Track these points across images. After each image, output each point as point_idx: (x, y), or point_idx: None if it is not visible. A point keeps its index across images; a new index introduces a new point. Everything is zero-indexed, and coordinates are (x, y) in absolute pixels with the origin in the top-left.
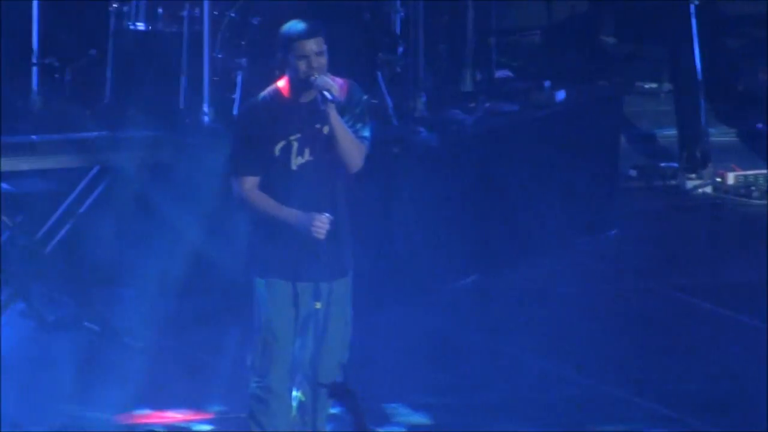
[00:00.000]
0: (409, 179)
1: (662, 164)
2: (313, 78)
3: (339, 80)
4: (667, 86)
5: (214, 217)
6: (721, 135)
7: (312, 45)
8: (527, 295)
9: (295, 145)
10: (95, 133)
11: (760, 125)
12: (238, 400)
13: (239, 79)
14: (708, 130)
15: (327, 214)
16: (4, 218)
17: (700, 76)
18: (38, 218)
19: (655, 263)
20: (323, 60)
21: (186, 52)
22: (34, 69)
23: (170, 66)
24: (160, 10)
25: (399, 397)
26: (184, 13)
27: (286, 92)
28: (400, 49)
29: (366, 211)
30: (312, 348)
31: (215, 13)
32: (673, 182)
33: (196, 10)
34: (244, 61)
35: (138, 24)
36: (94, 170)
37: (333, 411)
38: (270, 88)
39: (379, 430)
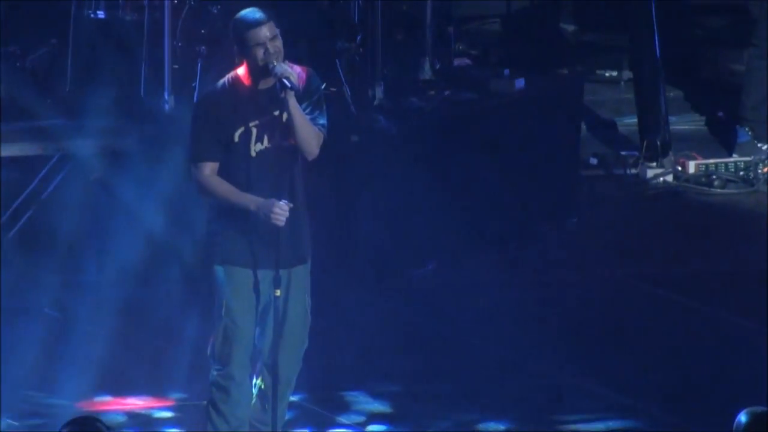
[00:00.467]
0: (367, 167)
1: (623, 152)
2: (272, 66)
3: (297, 68)
4: (627, 74)
5: (175, 205)
6: (681, 123)
7: (265, 31)
8: (487, 283)
9: (254, 131)
10: (56, 121)
11: (721, 113)
12: (199, 387)
13: (200, 67)
14: (668, 118)
15: (286, 201)
16: None
17: (660, 64)
18: None
19: (615, 252)
20: (279, 43)
21: (147, 41)
22: None
23: (131, 54)
24: None
25: (359, 385)
26: (145, 2)
27: (244, 79)
28: (359, 38)
29: (325, 198)
30: (271, 336)
31: (175, 1)
32: (634, 170)
33: None
34: (204, 49)
35: (99, 12)
36: (55, 158)
37: (293, 399)
38: (229, 75)
39: (340, 418)
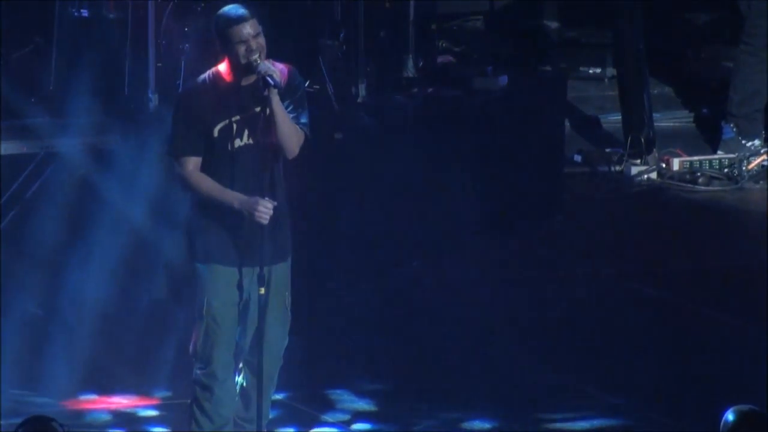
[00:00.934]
0: (351, 165)
1: (607, 149)
2: (255, 63)
3: (279, 65)
4: (611, 71)
5: (159, 203)
6: (666, 120)
7: (248, 28)
8: (471, 281)
9: (235, 127)
10: (40, 120)
11: (705, 110)
12: (183, 386)
13: (183, 64)
14: (653, 115)
15: (269, 199)
16: None
17: (644, 61)
18: None
19: (600, 249)
20: (261, 41)
21: (130, 39)
22: None
23: (115, 52)
24: None
25: (344, 383)
26: (128, 0)
27: (226, 75)
28: (342, 35)
29: (308, 196)
30: (252, 334)
31: None
32: (618, 168)
33: None
34: (187, 46)
35: (82, 11)
36: (39, 156)
37: (278, 397)
38: (210, 71)
39: (324, 416)
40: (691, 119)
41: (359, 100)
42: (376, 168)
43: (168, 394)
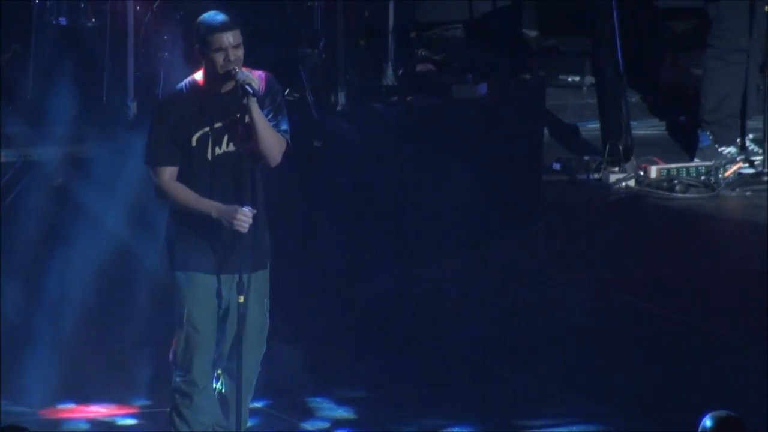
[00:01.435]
0: (330, 173)
1: (585, 157)
2: (234, 72)
3: (257, 72)
4: (589, 79)
5: (138, 211)
6: (644, 128)
7: (229, 37)
8: (451, 288)
9: (213, 135)
10: (18, 128)
11: (682, 118)
12: (162, 394)
13: (162, 73)
14: (631, 123)
15: (249, 207)
16: None
17: (622, 69)
18: None
19: (578, 256)
20: (240, 52)
21: (109, 47)
22: None
23: (93, 61)
24: (82, 5)
25: (323, 391)
26: (107, 8)
27: (204, 83)
28: (321, 43)
29: (287, 203)
30: (231, 341)
31: (138, 8)
32: (596, 175)
33: (119, 5)
34: (167, 55)
35: (61, 19)
36: (17, 165)
37: (257, 405)
38: (187, 79)
39: (304, 424)
40: (669, 127)
41: (339, 108)
42: (355, 176)
43: (147, 402)
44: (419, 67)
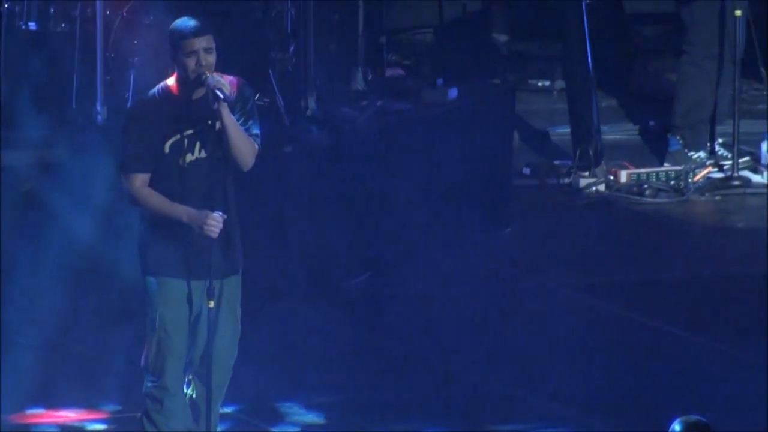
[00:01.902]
0: (301, 178)
1: (556, 162)
2: (204, 77)
3: (228, 77)
4: (560, 84)
5: (108, 216)
6: (614, 133)
7: (201, 42)
8: (420, 294)
9: (186, 142)
10: None
11: (652, 123)
12: (133, 399)
13: (132, 78)
14: (601, 127)
15: (220, 213)
16: None
17: (592, 73)
18: None
19: (548, 261)
20: (211, 58)
21: (78, 52)
22: None
23: (63, 65)
24: (52, 10)
25: (293, 396)
26: (77, 13)
27: (176, 89)
28: (292, 48)
29: (257, 208)
30: (202, 346)
31: (107, 12)
32: (567, 180)
33: (89, 10)
34: (136, 60)
35: (30, 24)
36: None
37: (227, 410)
38: (160, 85)
39: (273, 429)
40: (639, 132)
41: (309, 113)
42: (325, 181)
43: (117, 407)
44: (389, 72)
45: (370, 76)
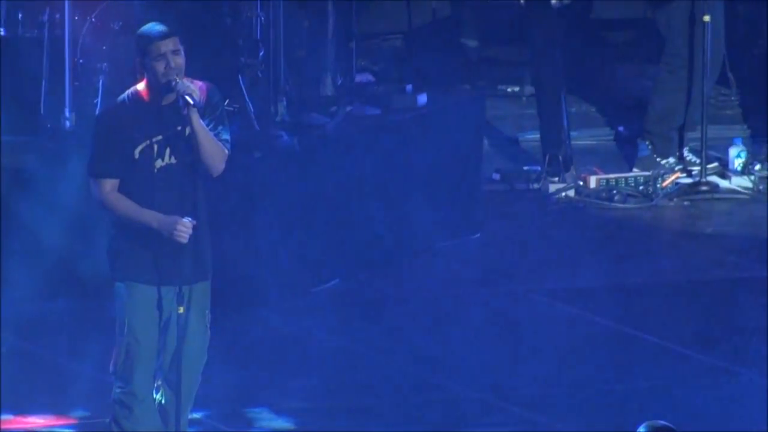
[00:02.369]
0: (270, 183)
1: (525, 168)
2: (174, 82)
3: (198, 83)
4: (529, 89)
5: (77, 222)
6: (583, 138)
7: (168, 44)
8: (389, 300)
9: (156, 147)
10: None
11: (621, 128)
12: (101, 405)
13: (101, 83)
14: (570, 133)
15: (189, 219)
16: None
17: (562, 79)
18: None
19: (518, 267)
20: (180, 60)
21: (47, 57)
22: None
23: (31, 71)
24: (20, 15)
25: (262, 401)
26: (45, 18)
27: (145, 94)
28: (261, 53)
29: (227, 214)
30: (172, 352)
31: (76, 17)
32: (536, 186)
33: (57, 15)
34: (105, 65)
35: None
36: None
37: (196, 416)
38: (129, 91)
39: None
40: (608, 137)
41: (278, 118)
42: (295, 186)
43: (86, 413)
44: (358, 78)
45: (339, 82)
